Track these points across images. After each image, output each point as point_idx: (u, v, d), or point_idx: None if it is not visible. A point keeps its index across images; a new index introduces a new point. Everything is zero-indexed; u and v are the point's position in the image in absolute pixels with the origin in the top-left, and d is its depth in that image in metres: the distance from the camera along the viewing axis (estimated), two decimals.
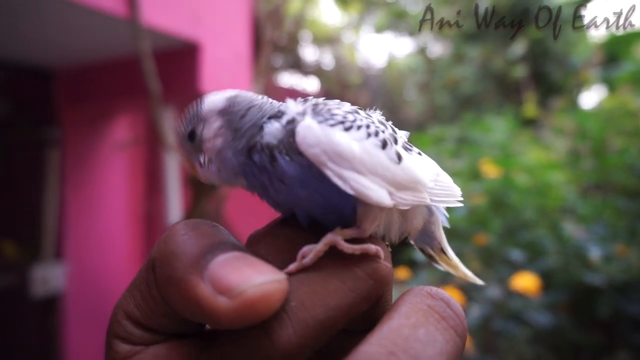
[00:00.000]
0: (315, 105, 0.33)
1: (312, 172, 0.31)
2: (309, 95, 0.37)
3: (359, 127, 0.32)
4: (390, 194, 0.31)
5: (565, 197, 2.28)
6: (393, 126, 0.37)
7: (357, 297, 0.28)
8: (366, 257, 0.30)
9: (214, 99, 0.35)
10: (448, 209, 0.41)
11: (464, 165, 2.77)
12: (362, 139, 0.31)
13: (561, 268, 1.88)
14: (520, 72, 4.44)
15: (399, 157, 0.33)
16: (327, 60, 4.62)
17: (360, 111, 0.35)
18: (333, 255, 0.29)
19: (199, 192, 2.03)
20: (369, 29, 5.53)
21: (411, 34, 5.42)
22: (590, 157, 2.48)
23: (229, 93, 0.35)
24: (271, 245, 0.31)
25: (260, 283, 0.26)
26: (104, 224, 2.36)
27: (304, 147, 0.30)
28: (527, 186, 2.28)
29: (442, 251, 0.41)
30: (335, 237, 0.29)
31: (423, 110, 5.41)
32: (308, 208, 0.32)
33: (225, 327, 0.26)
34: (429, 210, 0.38)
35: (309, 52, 4.45)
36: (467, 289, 1.86)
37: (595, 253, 1.74)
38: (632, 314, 1.67)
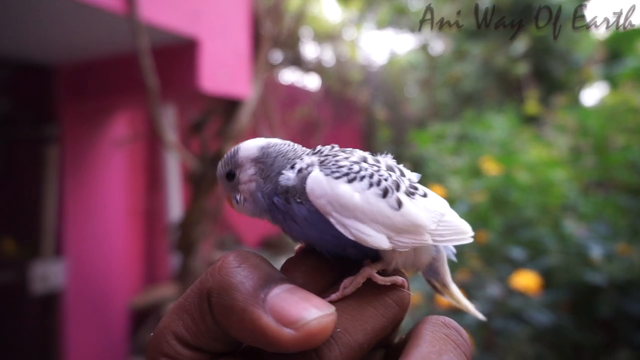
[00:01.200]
0: (326, 156, 0.38)
1: (320, 217, 0.36)
2: (321, 145, 0.42)
3: (362, 178, 0.36)
4: (389, 237, 0.35)
5: (566, 195, 2.26)
6: (403, 168, 0.41)
7: (386, 322, 0.34)
8: (394, 286, 0.35)
9: (249, 147, 0.41)
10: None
11: (464, 162, 2.76)
12: (364, 190, 0.36)
13: (562, 267, 1.87)
14: (522, 69, 4.42)
15: (399, 204, 0.37)
16: (328, 57, 4.61)
17: (368, 157, 0.39)
18: (365, 284, 0.35)
19: (198, 189, 2.02)
20: (370, 26, 5.50)
21: (412, 30, 5.39)
22: (592, 154, 2.47)
23: (262, 142, 0.41)
24: (306, 273, 0.36)
25: (319, 316, 0.30)
26: (104, 221, 2.35)
27: (312, 198, 0.35)
28: (528, 184, 2.27)
29: (446, 285, 0.45)
30: (371, 271, 0.35)
31: (424, 107, 5.39)
32: (323, 245, 0.37)
33: (284, 352, 0.31)
34: (436, 248, 0.42)
35: (309, 49, 4.43)
36: (467, 287, 1.85)
37: (596, 252, 1.73)
38: (634, 313, 1.66)
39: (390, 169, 0.39)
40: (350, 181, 0.36)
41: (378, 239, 0.35)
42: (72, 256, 2.18)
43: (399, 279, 0.35)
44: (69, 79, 2.18)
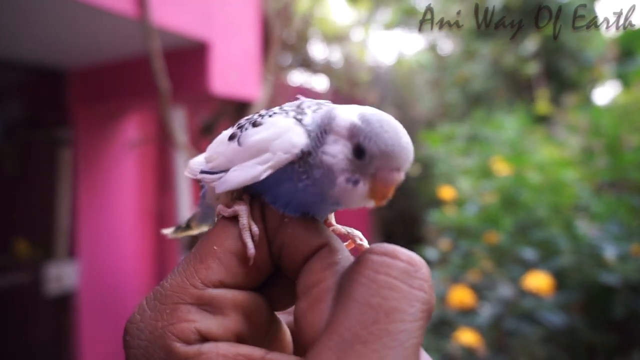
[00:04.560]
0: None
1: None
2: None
3: None
4: None
5: (578, 195, 2.24)
6: None
7: None
8: None
9: None
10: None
11: (474, 163, 2.75)
12: None
13: (575, 267, 1.85)
14: (532, 68, 4.38)
15: None
16: (337, 58, 4.61)
17: None
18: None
19: None
20: (378, 26, 5.50)
21: (421, 30, 5.37)
22: (604, 154, 2.44)
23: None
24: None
25: None
26: (116, 222, 2.38)
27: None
28: (539, 184, 2.25)
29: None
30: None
31: (433, 108, 5.37)
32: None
33: None
34: None
35: (318, 50, 4.44)
36: (479, 288, 1.84)
37: (610, 252, 1.71)
38: None
39: None
40: None
41: None
42: (85, 257, 2.21)
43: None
44: (81, 82, 2.21)
